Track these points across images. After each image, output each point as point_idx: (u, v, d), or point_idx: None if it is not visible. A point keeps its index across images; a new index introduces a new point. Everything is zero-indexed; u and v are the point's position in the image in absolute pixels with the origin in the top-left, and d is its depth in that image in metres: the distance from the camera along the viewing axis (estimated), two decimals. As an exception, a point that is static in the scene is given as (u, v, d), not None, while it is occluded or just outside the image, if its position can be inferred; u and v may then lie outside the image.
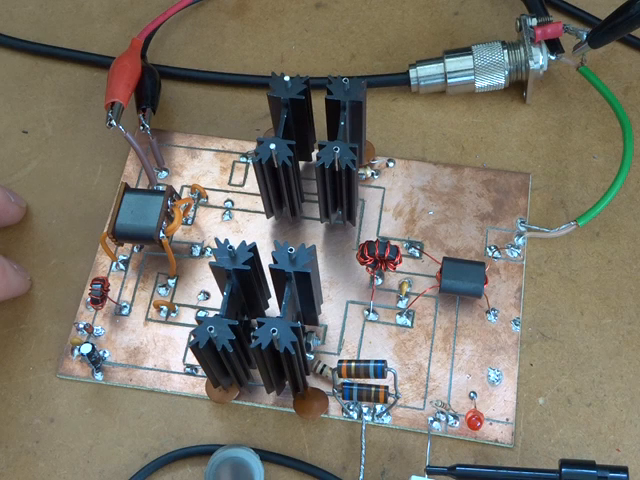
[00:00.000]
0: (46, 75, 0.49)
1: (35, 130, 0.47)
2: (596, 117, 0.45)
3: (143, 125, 0.44)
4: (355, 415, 0.38)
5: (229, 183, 0.44)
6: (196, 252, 0.43)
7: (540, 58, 0.44)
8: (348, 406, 0.38)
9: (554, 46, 0.44)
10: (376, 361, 0.35)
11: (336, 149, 0.36)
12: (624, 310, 0.40)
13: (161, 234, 0.40)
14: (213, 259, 0.35)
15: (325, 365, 0.39)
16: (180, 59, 0.49)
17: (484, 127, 0.46)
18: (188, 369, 0.40)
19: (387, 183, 0.44)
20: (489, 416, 0.38)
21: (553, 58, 0.44)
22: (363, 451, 0.37)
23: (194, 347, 0.33)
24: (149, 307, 0.41)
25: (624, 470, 0.33)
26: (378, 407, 0.38)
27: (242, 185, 0.44)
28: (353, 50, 0.49)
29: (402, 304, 0.41)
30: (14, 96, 0.48)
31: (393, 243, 0.39)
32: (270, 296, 0.39)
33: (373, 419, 0.38)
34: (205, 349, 0.33)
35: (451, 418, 0.38)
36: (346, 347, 0.40)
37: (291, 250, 0.34)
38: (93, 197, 0.45)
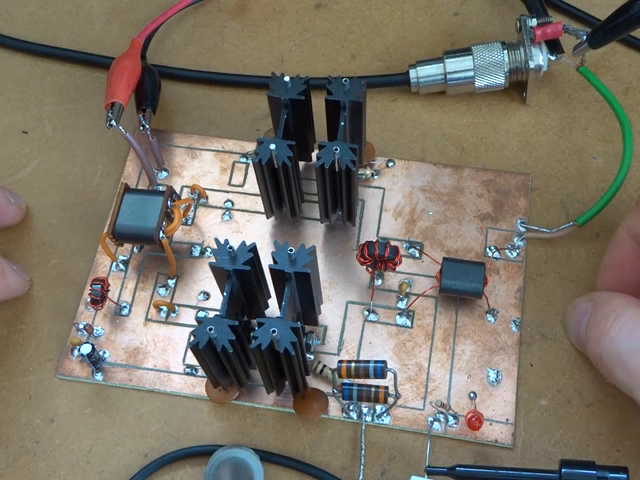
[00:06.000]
0: (46, 75, 0.49)
1: (35, 130, 0.47)
2: (596, 117, 0.45)
3: (143, 125, 0.43)
4: (355, 415, 0.38)
5: (229, 183, 0.44)
6: (196, 252, 0.43)
7: (540, 58, 0.44)
8: (348, 406, 0.38)
9: (554, 46, 0.44)
10: (376, 361, 0.35)
11: (336, 149, 0.36)
12: (624, 310, 0.40)
13: (161, 234, 0.40)
14: (213, 259, 0.35)
15: (325, 365, 0.39)
16: (180, 59, 0.49)
17: (484, 127, 0.46)
18: (188, 369, 0.40)
19: (387, 183, 0.44)
20: (489, 416, 0.38)
21: (553, 58, 0.44)
22: (363, 451, 0.37)
23: (194, 347, 0.33)
24: (149, 307, 0.41)
25: (624, 470, 0.33)
26: (378, 407, 0.38)
27: (242, 185, 0.44)
28: (353, 50, 0.49)
29: (402, 304, 0.41)
30: (14, 96, 0.48)
31: (393, 243, 0.39)
32: (270, 296, 0.39)
33: (373, 419, 0.38)
34: (205, 349, 0.33)
35: (451, 418, 0.38)
36: (346, 347, 0.40)
37: (291, 250, 0.34)
38: (93, 197, 0.45)
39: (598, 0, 0.49)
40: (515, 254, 0.42)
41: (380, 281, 0.41)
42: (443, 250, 0.42)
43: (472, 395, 0.39)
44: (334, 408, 0.39)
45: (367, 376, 0.35)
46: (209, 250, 0.43)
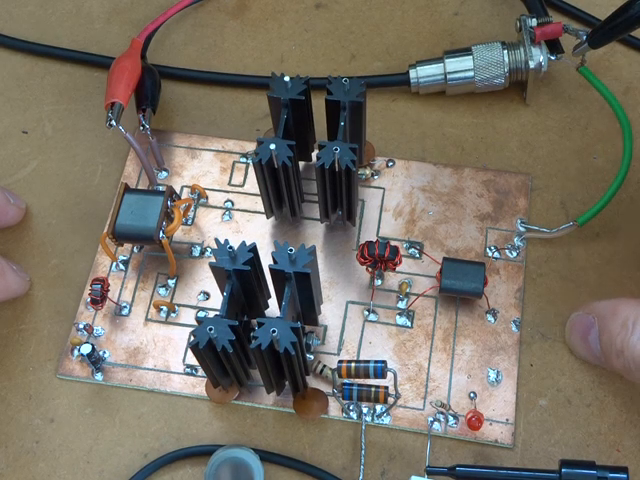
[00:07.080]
0: (46, 75, 0.49)
1: (35, 130, 0.47)
2: (596, 117, 0.45)
3: (143, 125, 0.43)
4: (355, 415, 0.38)
5: (229, 183, 0.44)
6: (196, 252, 0.43)
7: (540, 58, 0.44)
8: (348, 406, 0.38)
9: (554, 46, 0.44)
10: (376, 361, 0.35)
11: (336, 149, 0.36)
12: (624, 310, 0.40)
13: (161, 234, 0.40)
14: (213, 259, 0.35)
15: (325, 365, 0.39)
16: (180, 59, 0.49)
17: (484, 127, 0.46)
18: (188, 369, 0.40)
19: (387, 183, 0.44)
20: (489, 416, 0.38)
21: (553, 58, 0.44)
22: (363, 451, 0.37)
23: (194, 347, 0.33)
24: (149, 307, 0.41)
25: (624, 470, 0.33)
26: (378, 407, 0.38)
27: (242, 185, 0.44)
28: (353, 50, 0.49)
29: (402, 304, 0.41)
30: (14, 96, 0.48)
31: (393, 243, 0.39)
32: (270, 296, 0.39)
33: (373, 419, 0.38)
34: (205, 349, 0.33)
35: (451, 418, 0.38)
36: (346, 347, 0.40)
37: (291, 250, 0.34)
38: (93, 197, 0.45)
39: (598, 0, 0.49)
40: (515, 254, 0.42)
41: (380, 281, 0.41)
42: (443, 250, 0.42)
43: (472, 395, 0.38)
44: (334, 408, 0.39)
45: (367, 376, 0.35)
46: (209, 250, 0.43)
